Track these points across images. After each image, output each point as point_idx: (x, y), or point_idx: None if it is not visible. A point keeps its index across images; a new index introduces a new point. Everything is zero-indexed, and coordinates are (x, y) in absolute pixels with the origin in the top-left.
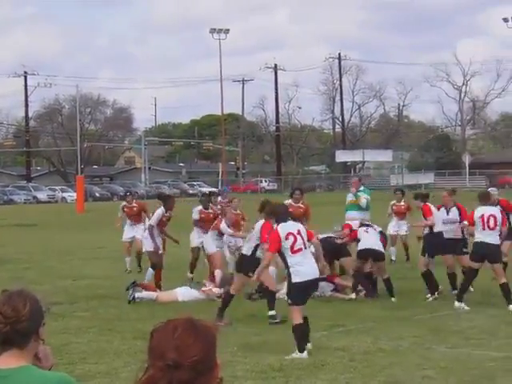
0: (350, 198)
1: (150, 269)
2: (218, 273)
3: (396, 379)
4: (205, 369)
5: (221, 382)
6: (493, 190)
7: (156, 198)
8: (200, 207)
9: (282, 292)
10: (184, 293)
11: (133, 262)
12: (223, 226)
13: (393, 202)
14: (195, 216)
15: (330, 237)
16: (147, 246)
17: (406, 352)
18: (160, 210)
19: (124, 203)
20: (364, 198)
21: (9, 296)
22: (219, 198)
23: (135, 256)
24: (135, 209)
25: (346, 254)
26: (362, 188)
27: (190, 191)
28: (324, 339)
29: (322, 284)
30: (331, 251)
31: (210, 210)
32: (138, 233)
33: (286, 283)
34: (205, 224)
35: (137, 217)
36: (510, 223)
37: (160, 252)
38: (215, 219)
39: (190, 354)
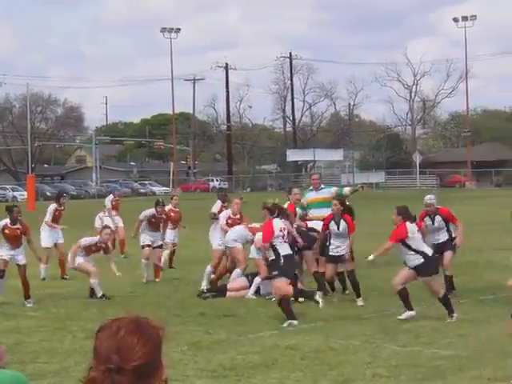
0: (311, 196)
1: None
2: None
3: (347, 377)
4: (148, 371)
5: (166, 383)
6: (430, 199)
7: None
8: (219, 202)
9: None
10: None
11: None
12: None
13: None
14: (215, 209)
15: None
16: None
17: (356, 350)
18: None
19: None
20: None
21: None
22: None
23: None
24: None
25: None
26: (322, 186)
27: (141, 190)
28: (274, 338)
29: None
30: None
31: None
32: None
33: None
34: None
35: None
36: (450, 233)
37: None
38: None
39: (132, 358)
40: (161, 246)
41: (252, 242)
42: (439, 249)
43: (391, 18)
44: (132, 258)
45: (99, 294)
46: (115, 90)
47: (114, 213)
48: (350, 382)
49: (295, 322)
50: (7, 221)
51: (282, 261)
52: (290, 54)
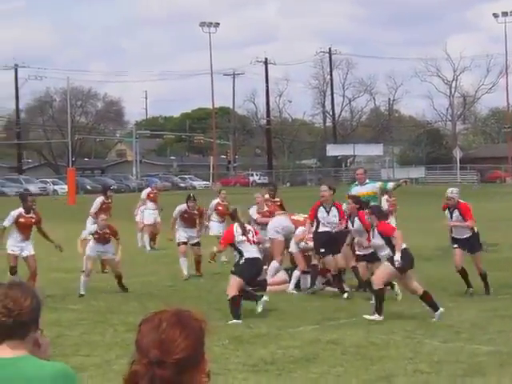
0: (356, 190)
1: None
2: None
3: (388, 373)
4: (190, 365)
5: (208, 376)
6: (452, 192)
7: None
8: (267, 196)
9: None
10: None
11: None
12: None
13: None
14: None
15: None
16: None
17: (397, 345)
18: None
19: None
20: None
21: (9, 288)
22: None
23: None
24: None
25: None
26: (367, 180)
27: (182, 184)
28: (316, 332)
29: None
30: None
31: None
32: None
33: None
34: (270, 214)
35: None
36: (472, 229)
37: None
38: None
39: (174, 351)
40: (198, 244)
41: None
42: (464, 245)
43: (430, 14)
44: (171, 251)
45: (81, 291)
46: (155, 84)
47: (152, 205)
48: (392, 378)
49: (239, 321)
50: (21, 210)
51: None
52: (330, 48)
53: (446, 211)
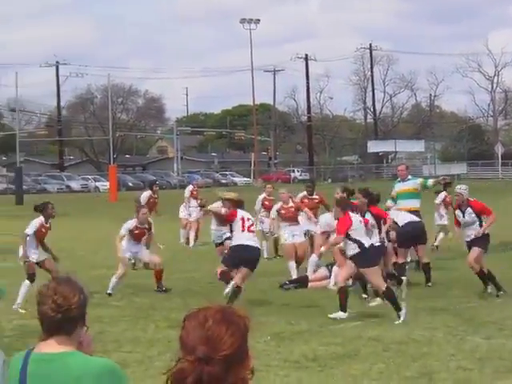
0: (399, 187)
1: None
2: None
3: (430, 369)
4: (236, 361)
5: (252, 372)
6: (460, 188)
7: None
8: (304, 193)
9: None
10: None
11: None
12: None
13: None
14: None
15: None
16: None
17: (439, 342)
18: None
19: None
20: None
21: (58, 284)
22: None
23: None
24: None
25: None
26: (409, 177)
27: (223, 181)
28: (357, 329)
29: None
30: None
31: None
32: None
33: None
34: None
35: None
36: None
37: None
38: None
39: (221, 347)
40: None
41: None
42: (470, 246)
43: (472, 9)
44: (212, 248)
45: (109, 290)
46: (196, 80)
47: (194, 203)
48: (434, 374)
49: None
50: (42, 219)
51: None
52: (370, 44)
53: (457, 211)
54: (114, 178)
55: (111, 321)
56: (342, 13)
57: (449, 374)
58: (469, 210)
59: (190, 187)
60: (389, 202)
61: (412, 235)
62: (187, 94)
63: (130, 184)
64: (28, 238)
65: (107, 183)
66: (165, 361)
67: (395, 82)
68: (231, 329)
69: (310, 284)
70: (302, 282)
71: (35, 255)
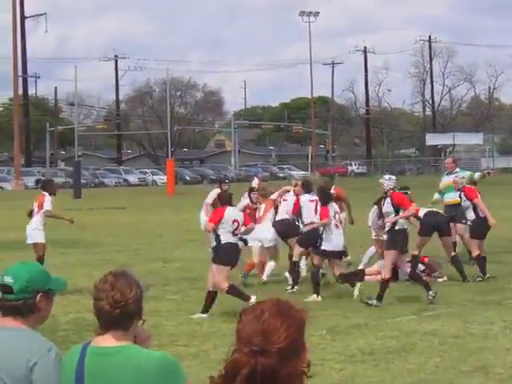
0: (446, 180)
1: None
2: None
3: (486, 364)
4: (291, 354)
5: (308, 366)
6: (384, 179)
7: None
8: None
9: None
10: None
11: None
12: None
13: None
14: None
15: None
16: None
17: (496, 336)
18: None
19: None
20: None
21: (115, 279)
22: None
23: None
24: None
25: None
26: (457, 169)
27: (280, 174)
28: (413, 323)
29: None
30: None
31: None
32: None
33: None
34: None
35: None
36: (476, 213)
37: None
38: None
39: (277, 340)
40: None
41: None
42: None
43: None
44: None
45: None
46: (254, 74)
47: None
48: (490, 368)
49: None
50: (50, 197)
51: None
52: (430, 37)
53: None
54: (172, 172)
55: (167, 314)
56: (401, 5)
57: (505, 368)
58: (388, 200)
59: (256, 181)
60: (436, 196)
61: (433, 225)
62: (245, 87)
63: (188, 178)
64: (41, 220)
65: (165, 177)
66: (220, 354)
67: (454, 75)
68: (287, 322)
69: (366, 277)
70: (358, 275)
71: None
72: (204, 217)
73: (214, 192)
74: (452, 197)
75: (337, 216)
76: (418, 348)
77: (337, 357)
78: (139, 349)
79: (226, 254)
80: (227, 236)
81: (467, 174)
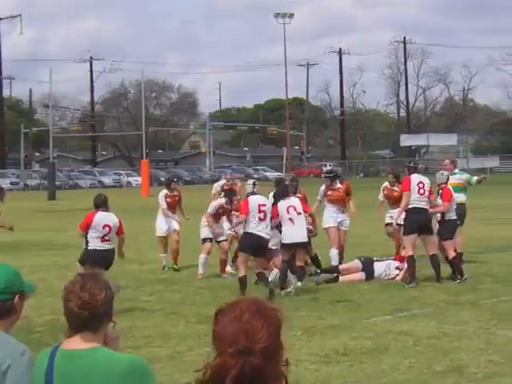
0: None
1: None
2: None
3: (461, 364)
4: (273, 353)
5: (287, 364)
6: (443, 174)
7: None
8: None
9: None
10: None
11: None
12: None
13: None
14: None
15: None
16: None
17: (470, 337)
18: None
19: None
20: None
21: (84, 281)
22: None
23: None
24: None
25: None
26: (456, 170)
27: (255, 176)
28: (387, 324)
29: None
30: None
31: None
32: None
33: None
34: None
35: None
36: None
37: None
38: None
39: (260, 340)
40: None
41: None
42: None
43: (505, 2)
44: None
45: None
46: (229, 75)
47: None
48: (464, 368)
49: None
50: None
51: None
52: (404, 38)
53: None
54: (147, 173)
55: (142, 316)
56: (375, 7)
57: (479, 368)
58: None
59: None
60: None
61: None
62: (220, 89)
63: (162, 179)
64: None
65: (139, 178)
66: (195, 356)
67: (429, 76)
68: (267, 321)
69: (341, 277)
70: (333, 272)
71: None
72: (159, 221)
73: (162, 194)
74: (457, 197)
75: (291, 209)
76: (393, 348)
77: (312, 357)
78: (108, 351)
79: (90, 260)
80: (94, 242)
81: (465, 176)
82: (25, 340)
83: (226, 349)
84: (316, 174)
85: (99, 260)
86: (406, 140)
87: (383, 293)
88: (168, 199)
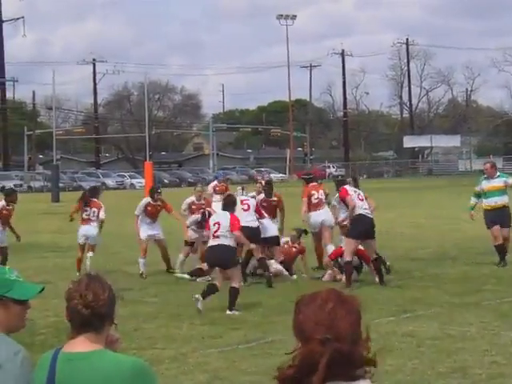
0: (485, 184)
1: None
2: None
3: (464, 365)
4: (357, 338)
5: (368, 350)
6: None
7: None
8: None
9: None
10: None
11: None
12: None
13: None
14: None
15: None
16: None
17: (474, 338)
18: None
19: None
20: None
21: (88, 281)
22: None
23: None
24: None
25: None
26: (498, 174)
27: (258, 177)
28: (392, 325)
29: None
30: None
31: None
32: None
33: None
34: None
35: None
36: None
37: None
38: None
39: (344, 326)
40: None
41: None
42: None
43: (508, 3)
44: None
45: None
46: (232, 77)
47: (218, 197)
48: (468, 369)
49: None
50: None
51: None
52: (407, 39)
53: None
54: (150, 175)
55: (147, 318)
56: (378, 8)
57: (483, 369)
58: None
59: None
60: (473, 199)
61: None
62: (223, 91)
63: (166, 181)
64: None
65: (143, 180)
66: (199, 357)
67: (432, 77)
68: (349, 309)
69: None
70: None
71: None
72: (142, 227)
73: (143, 203)
74: (501, 200)
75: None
76: (396, 350)
77: None
78: (111, 354)
79: None
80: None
81: (510, 180)
82: (29, 342)
83: (312, 336)
84: (319, 176)
85: None
86: (410, 141)
87: (387, 294)
88: (149, 207)
